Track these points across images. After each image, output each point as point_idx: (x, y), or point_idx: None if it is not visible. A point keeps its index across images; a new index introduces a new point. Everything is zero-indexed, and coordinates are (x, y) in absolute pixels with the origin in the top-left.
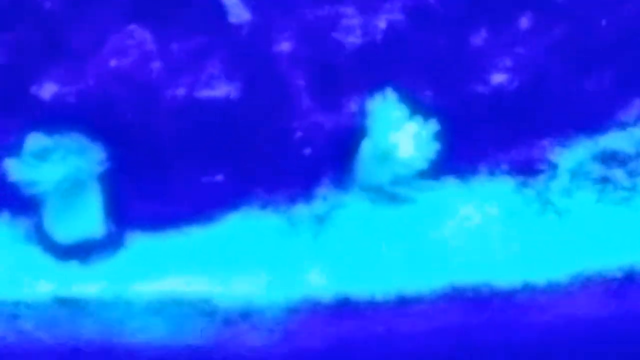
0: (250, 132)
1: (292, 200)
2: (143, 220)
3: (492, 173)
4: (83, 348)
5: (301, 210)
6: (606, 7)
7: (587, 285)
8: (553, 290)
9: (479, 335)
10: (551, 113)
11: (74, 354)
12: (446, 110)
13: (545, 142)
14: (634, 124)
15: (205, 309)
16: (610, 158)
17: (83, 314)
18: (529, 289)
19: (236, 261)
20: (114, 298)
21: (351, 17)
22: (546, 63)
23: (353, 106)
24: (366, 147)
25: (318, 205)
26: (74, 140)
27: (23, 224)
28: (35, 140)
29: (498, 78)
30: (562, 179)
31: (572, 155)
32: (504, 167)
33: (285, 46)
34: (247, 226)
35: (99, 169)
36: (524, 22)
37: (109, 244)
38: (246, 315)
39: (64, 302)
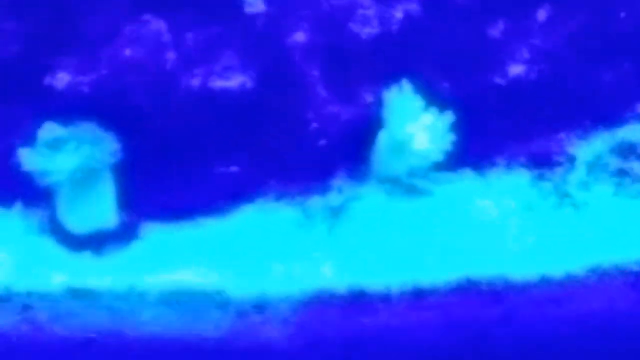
0: (265, 123)
1: (307, 192)
2: (157, 211)
3: (509, 165)
4: (96, 339)
5: (316, 202)
6: None
7: (604, 278)
8: (570, 284)
9: (495, 329)
10: (568, 105)
11: (87, 345)
12: (463, 101)
13: (563, 135)
14: None
15: (218, 301)
16: (628, 150)
17: (96, 305)
18: (545, 282)
19: (250, 253)
20: (128, 289)
21: (367, 7)
22: (564, 55)
23: (369, 97)
24: (382, 139)
25: (333, 197)
26: (87, 130)
27: (36, 215)
28: (48, 130)
29: (515, 69)
30: (580, 172)
31: (590, 147)
32: (521, 159)
33: (300, 36)
34: (261, 218)
35: (112, 159)
36: (542, 14)
37: (122, 234)
38: (260, 307)
39: (77, 293)
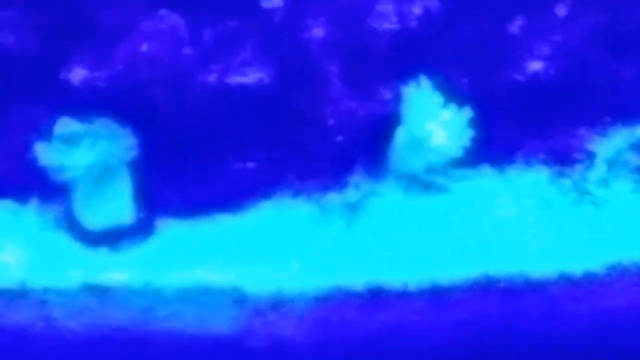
0: (282, 119)
1: (325, 188)
2: (173, 207)
3: (528, 162)
4: (112, 336)
5: (334, 198)
6: None
7: (623, 275)
8: (589, 281)
9: (513, 326)
10: (588, 101)
11: (102, 341)
12: (482, 98)
13: (582, 131)
14: None
15: (235, 298)
16: None
17: (112, 302)
18: (564, 280)
19: (267, 249)
20: (144, 286)
21: (386, 3)
22: (583, 51)
23: (387, 93)
24: (400, 135)
25: (351, 194)
26: (104, 126)
27: (52, 211)
28: (65, 126)
29: (535, 66)
30: (599, 169)
31: (610, 144)
32: (540, 156)
33: (318, 32)
34: (278, 214)
35: (129, 154)
36: (561, 10)
37: (138, 231)
38: (277, 304)
39: (93, 290)
